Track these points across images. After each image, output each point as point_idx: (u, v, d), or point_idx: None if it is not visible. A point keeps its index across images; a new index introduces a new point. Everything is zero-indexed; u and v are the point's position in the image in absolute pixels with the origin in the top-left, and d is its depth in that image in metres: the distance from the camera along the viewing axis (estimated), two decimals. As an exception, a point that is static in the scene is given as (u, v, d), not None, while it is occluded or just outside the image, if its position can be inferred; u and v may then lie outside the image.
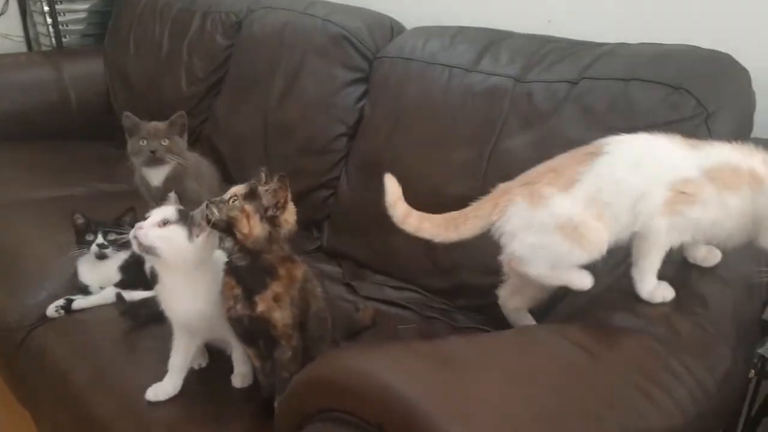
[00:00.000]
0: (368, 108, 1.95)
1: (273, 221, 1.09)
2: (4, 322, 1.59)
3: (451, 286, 1.66)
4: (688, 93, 1.29)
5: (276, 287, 1.10)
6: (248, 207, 1.08)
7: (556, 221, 1.05)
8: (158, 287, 1.22)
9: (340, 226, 1.99)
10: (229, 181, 1.96)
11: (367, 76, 2.00)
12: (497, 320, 1.55)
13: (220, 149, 2.36)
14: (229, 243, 1.11)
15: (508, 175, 1.52)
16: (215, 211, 1.08)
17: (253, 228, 1.07)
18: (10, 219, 1.97)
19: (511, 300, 1.22)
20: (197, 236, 1.14)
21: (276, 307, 1.10)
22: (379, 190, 1.86)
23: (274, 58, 2.19)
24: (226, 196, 1.10)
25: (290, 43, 2.16)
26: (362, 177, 1.92)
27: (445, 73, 1.75)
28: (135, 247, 1.14)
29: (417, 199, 1.73)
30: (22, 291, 1.64)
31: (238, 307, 1.11)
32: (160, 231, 1.13)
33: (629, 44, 1.52)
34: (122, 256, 1.63)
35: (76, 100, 2.89)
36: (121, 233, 1.58)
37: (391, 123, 1.84)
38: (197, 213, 1.15)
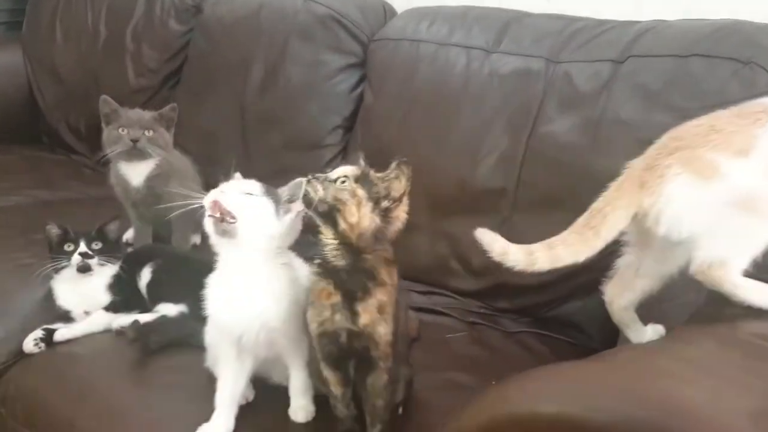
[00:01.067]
0: (369, 95, 1.77)
1: (386, 214, 0.90)
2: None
3: (487, 288, 1.51)
4: (760, 67, 1.23)
5: (380, 295, 0.91)
6: (360, 192, 0.88)
7: (736, 195, 0.89)
8: (213, 289, 1.01)
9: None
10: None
11: (362, 61, 1.82)
12: (547, 322, 1.44)
13: (184, 147, 2.07)
14: (325, 234, 0.90)
15: (555, 162, 1.44)
16: (320, 188, 0.88)
17: (363, 218, 0.88)
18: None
19: (621, 298, 1.07)
20: (285, 214, 0.95)
21: (380, 320, 0.90)
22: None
23: (249, 44, 1.96)
24: (333, 175, 0.90)
25: (268, 27, 1.94)
26: (366, 172, 1.74)
27: (463, 55, 1.61)
28: (209, 219, 0.95)
29: (440, 195, 1.60)
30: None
31: (337, 318, 0.90)
32: (245, 199, 0.93)
33: (669, 21, 1.45)
34: (108, 272, 1.36)
35: (-9, 97, 2.48)
36: (106, 243, 1.32)
37: (402, 110, 1.67)
38: (285, 189, 0.99)
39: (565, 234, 0.98)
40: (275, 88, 1.90)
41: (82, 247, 1.32)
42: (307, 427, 1.03)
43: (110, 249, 1.36)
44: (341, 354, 0.93)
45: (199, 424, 1.01)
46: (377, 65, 1.77)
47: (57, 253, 1.33)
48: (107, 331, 1.29)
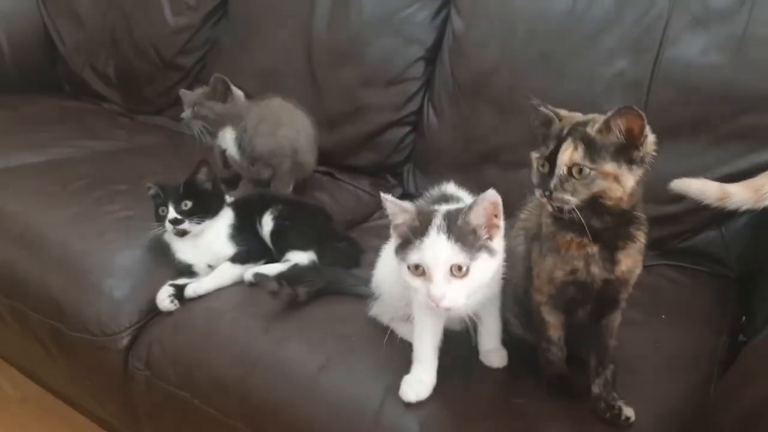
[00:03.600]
0: (458, 21, 1.64)
1: (641, 161, 0.81)
2: (91, 333, 1.17)
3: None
4: None
5: (641, 238, 0.84)
6: (608, 167, 0.78)
7: None
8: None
9: (432, 168, 1.69)
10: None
11: (443, -16, 1.69)
12: (680, 254, 1.39)
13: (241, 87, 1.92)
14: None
15: (687, 87, 1.36)
16: (569, 198, 0.78)
17: (626, 185, 0.79)
18: (14, 197, 1.45)
19: None
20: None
21: (639, 263, 0.85)
22: (487, 118, 1.63)
23: (311, -30, 1.80)
24: (561, 170, 0.79)
25: (333, -50, 1.77)
26: (459, 107, 1.64)
27: (567, -30, 1.49)
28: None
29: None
30: (89, 289, 1.21)
31: (592, 268, 0.84)
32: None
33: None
34: (224, 222, 1.25)
35: (8, 44, 2.26)
36: (199, 198, 1.22)
37: (500, 36, 1.55)
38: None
39: None
40: (345, 18, 1.76)
41: (171, 212, 1.20)
42: (504, 372, 0.97)
43: (204, 204, 1.23)
44: (582, 299, 0.87)
45: (388, 376, 0.94)
46: (467, -12, 1.64)
47: (157, 218, 1.22)
48: (238, 283, 1.19)
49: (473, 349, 1.00)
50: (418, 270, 0.80)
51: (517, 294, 0.94)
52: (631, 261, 0.84)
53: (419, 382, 0.91)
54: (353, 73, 1.76)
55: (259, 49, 1.92)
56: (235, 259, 1.22)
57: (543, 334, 0.91)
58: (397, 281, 0.99)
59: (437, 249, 0.78)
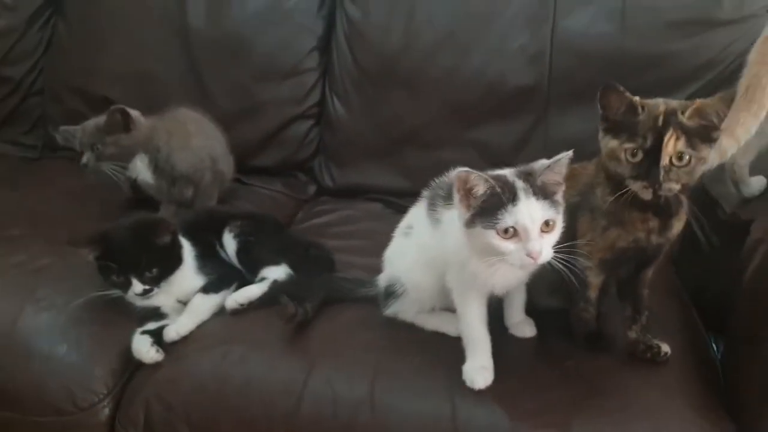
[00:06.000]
0: (353, 9, 1.61)
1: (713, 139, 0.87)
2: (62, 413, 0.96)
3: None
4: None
5: (685, 202, 0.92)
6: (704, 151, 0.85)
7: None
8: None
9: (347, 159, 1.66)
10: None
11: (324, -29, 1.64)
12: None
13: (103, 96, 1.68)
14: None
15: (584, 53, 1.49)
16: (675, 186, 0.85)
17: (708, 163, 0.89)
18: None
19: (742, 158, 1.18)
20: None
21: (684, 220, 0.92)
22: (399, 101, 1.61)
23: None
24: (665, 161, 0.83)
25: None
26: (366, 94, 1.61)
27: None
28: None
29: (464, 104, 1.55)
30: (43, 361, 0.99)
31: (652, 238, 0.90)
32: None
33: None
34: (188, 258, 1.10)
35: None
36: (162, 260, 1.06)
37: (403, 20, 1.56)
38: None
39: (734, 116, 1.04)
40: (228, 10, 1.62)
41: (137, 286, 1.02)
42: (536, 340, 1.01)
43: (169, 264, 1.07)
44: (633, 260, 0.94)
45: (439, 374, 0.93)
46: (352, -29, 1.60)
47: (109, 284, 1.03)
48: (217, 314, 1.06)
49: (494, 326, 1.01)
50: (507, 233, 0.81)
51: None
52: (681, 224, 0.92)
53: (483, 368, 0.91)
54: (244, 68, 1.64)
55: (119, 49, 1.69)
56: (208, 289, 1.08)
57: (583, 295, 0.96)
58: (426, 273, 0.97)
59: (532, 208, 0.81)
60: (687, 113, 0.85)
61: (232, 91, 1.64)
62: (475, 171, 0.82)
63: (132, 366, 1.00)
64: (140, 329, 1.02)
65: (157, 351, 0.99)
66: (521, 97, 1.52)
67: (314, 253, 1.21)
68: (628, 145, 0.86)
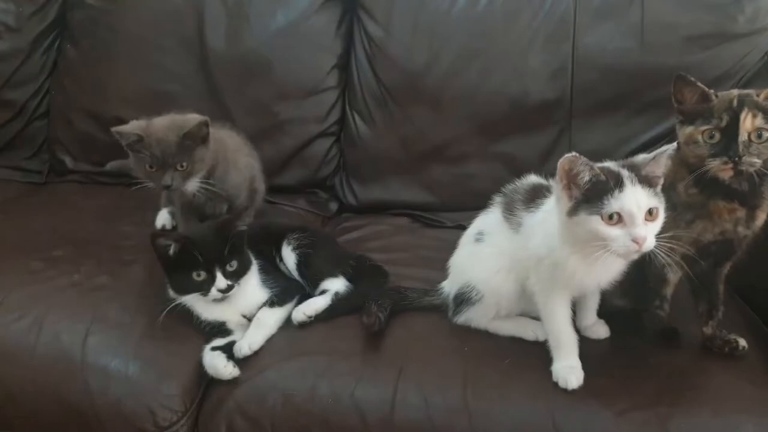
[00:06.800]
0: (374, 27, 1.62)
1: None
2: None
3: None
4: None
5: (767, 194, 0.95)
6: None
7: None
8: None
9: (369, 176, 1.65)
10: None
11: (344, -9, 1.66)
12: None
13: (117, 117, 1.63)
14: None
15: (606, 69, 1.54)
16: (756, 161, 0.88)
17: None
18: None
19: None
20: None
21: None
22: (423, 117, 1.62)
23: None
24: (743, 137, 0.87)
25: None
26: (389, 111, 1.62)
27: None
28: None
29: (489, 118, 1.58)
30: (116, 381, 0.94)
31: (739, 229, 0.93)
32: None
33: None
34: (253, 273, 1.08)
35: None
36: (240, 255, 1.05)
37: (426, 38, 1.58)
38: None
39: None
40: (246, 30, 1.62)
41: (220, 280, 1.01)
42: (611, 341, 1.02)
43: (246, 260, 1.06)
44: (713, 255, 0.96)
45: (533, 376, 0.93)
46: (373, -9, 1.63)
47: (185, 286, 1.00)
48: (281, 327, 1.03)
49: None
50: (612, 219, 0.82)
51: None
52: (764, 215, 0.95)
53: (573, 368, 0.92)
54: (264, 88, 1.63)
55: (133, 70, 1.66)
56: (273, 302, 1.06)
57: (659, 293, 0.98)
58: (506, 278, 0.97)
59: (638, 195, 0.83)
60: (762, 95, 0.89)
61: (252, 111, 1.63)
62: (581, 156, 0.83)
63: (204, 382, 0.95)
64: (209, 346, 0.98)
65: (234, 366, 0.95)
66: (545, 110, 1.56)
67: (369, 265, 1.20)
68: (705, 127, 0.90)
